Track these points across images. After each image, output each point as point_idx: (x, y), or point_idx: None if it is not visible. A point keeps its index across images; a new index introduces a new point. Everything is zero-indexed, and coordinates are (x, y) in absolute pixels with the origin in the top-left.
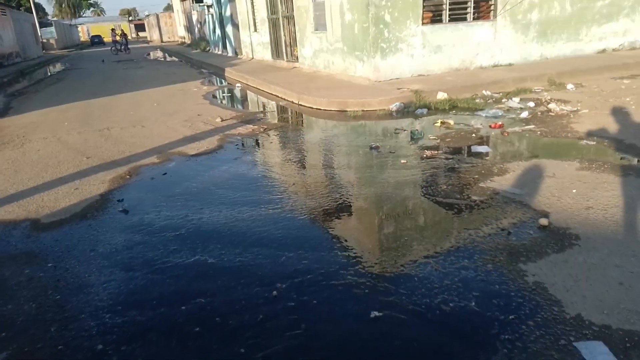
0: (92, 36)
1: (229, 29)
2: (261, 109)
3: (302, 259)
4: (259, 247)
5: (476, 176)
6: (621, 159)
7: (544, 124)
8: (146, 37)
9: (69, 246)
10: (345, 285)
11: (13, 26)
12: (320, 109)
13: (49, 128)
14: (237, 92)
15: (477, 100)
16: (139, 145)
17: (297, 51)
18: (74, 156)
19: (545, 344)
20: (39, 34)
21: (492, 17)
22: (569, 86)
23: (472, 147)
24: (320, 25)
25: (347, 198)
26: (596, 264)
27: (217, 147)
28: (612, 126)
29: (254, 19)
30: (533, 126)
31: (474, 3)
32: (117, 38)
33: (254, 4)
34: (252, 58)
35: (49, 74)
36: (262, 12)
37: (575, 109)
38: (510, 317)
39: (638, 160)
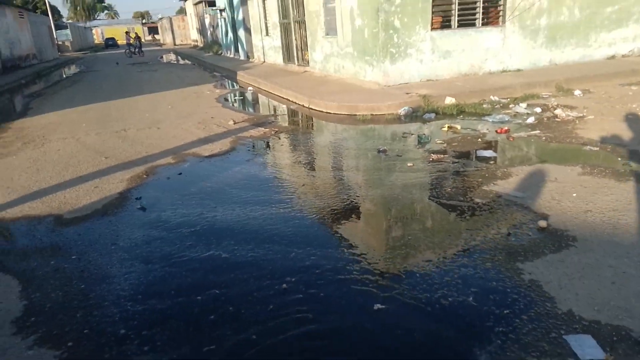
0: (106, 39)
1: (241, 32)
2: (272, 112)
3: (311, 255)
4: (270, 244)
5: (480, 180)
6: (623, 164)
7: (549, 130)
8: (159, 40)
9: (91, 240)
10: (350, 280)
11: (30, 29)
12: (330, 113)
13: (67, 129)
14: (249, 95)
15: (485, 106)
16: (155, 146)
17: (308, 55)
18: (93, 156)
19: (536, 336)
20: (55, 37)
21: (501, 23)
22: (577, 92)
23: (477, 152)
24: (331, 30)
25: (355, 199)
26: (591, 264)
27: (230, 149)
28: (617, 132)
29: (266, 24)
30: (538, 132)
31: (483, 9)
32: (131, 41)
33: (266, 8)
34: (264, 62)
35: (65, 76)
36: (274, 17)
37: (582, 115)
38: (505, 311)
39: None
